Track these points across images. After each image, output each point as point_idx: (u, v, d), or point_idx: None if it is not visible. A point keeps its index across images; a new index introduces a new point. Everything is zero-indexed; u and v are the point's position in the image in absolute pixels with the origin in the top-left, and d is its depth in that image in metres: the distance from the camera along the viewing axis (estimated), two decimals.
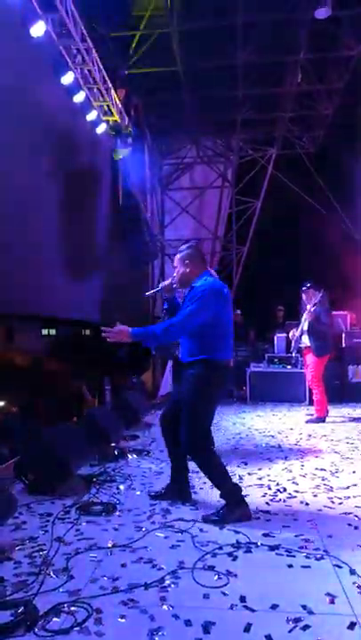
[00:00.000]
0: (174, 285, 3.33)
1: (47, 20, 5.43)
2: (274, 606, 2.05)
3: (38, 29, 5.30)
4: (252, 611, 2.03)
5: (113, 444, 4.74)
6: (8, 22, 5.06)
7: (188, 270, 3.21)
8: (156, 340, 3.09)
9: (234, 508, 3.01)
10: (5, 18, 5.03)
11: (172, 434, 3.26)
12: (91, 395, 7.30)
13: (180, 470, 3.40)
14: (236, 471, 4.03)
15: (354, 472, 4.00)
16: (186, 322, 3.00)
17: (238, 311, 9.29)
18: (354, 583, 2.23)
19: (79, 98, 6.61)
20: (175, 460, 3.39)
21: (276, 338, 8.70)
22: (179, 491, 3.38)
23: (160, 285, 3.42)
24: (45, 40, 5.53)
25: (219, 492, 3.09)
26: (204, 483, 3.69)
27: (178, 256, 3.27)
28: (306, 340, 6.41)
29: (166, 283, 3.36)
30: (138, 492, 3.53)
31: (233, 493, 3.06)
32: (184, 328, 3.02)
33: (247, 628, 1.91)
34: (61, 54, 5.97)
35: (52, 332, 9.13)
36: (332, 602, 2.09)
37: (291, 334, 6.61)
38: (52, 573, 2.35)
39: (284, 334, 8.71)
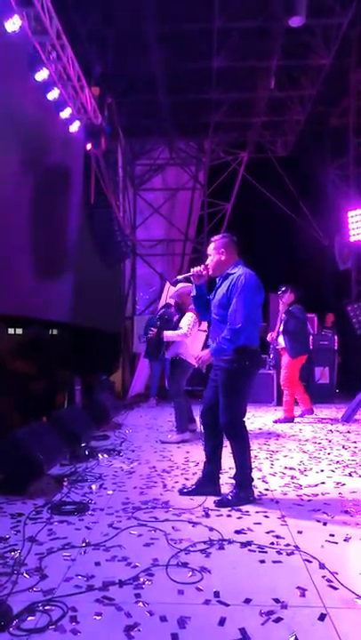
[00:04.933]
0: (205, 272, 3.42)
1: (22, 15, 5.35)
2: (247, 600, 2.09)
3: (13, 24, 5.22)
4: (226, 605, 2.06)
5: (83, 444, 4.72)
6: None
7: (223, 258, 3.37)
8: (230, 346, 3.20)
9: (242, 491, 3.28)
10: None
11: (213, 427, 3.41)
12: (60, 395, 7.23)
13: (215, 465, 3.51)
14: None
15: (322, 471, 4.11)
16: (248, 319, 3.16)
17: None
18: (323, 577, 2.30)
19: (53, 95, 6.54)
20: (213, 455, 3.49)
21: None
22: (211, 485, 3.46)
23: (192, 271, 3.48)
24: (20, 35, 5.45)
25: (234, 472, 3.36)
26: (176, 482, 3.73)
27: (213, 245, 3.41)
28: (281, 342, 6.55)
29: (198, 269, 3.43)
30: (110, 492, 3.53)
31: (247, 479, 3.34)
32: (247, 324, 3.16)
33: (222, 622, 1.94)
34: (36, 50, 5.90)
35: (19, 331, 8.98)
36: (302, 595, 2.15)
37: (269, 337, 6.74)
38: (25, 573, 2.33)
39: None
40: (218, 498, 3.31)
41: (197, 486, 3.47)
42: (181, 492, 3.46)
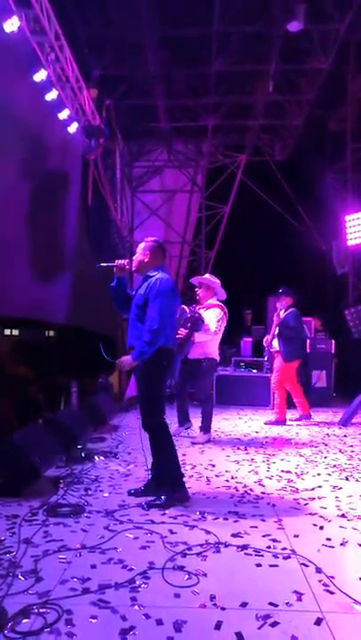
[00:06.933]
0: (127, 267, 3.56)
1: (21, 16, 5.36)
2: (243, 604, 2.09)
3: (12, 25, 5.22)
4: (223, 609, 2.05)
5: (79, 446, 4.70)
6: None
7: (146, 260, 3.50)
8: (151, 349, 3.27)
9: (174, 491, 3.27)
10: None
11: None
12: (57, 396, 7.20)
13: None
14: (203, 473, 4.08)
15: (318, 474, 4.10)
16: (164, 320, 3.25)
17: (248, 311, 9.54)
18: (320, 581, 2.29)
19: (51, 96, 6.53)
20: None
21: (242, 341, 8.82)
22: (158, 487, 3.45)
23: (115, 262, 3.58)
24: (18, 36, 5.44)
25: (158, 471, 3.42)
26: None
27: (142, 244, 3.53)
28: (276, 345, 6.54)
29: (121, 262, 3.56)
30: (106, 494, 3.51)
31: (175, 476, 3.35)
32: (164, 325, 3.25)
33: (218, 626, 1.93)
34: (34, 51, 5.90)
35: (15, 332, 8.95)
36: (299, 599, 2.14)
37: (265, 340, 6.74)
38: (20, 575, 2.31)
39: (251, 338, 8.84)
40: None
41: (145, 488, 3.50)
42: (129, 493, 3.49)
